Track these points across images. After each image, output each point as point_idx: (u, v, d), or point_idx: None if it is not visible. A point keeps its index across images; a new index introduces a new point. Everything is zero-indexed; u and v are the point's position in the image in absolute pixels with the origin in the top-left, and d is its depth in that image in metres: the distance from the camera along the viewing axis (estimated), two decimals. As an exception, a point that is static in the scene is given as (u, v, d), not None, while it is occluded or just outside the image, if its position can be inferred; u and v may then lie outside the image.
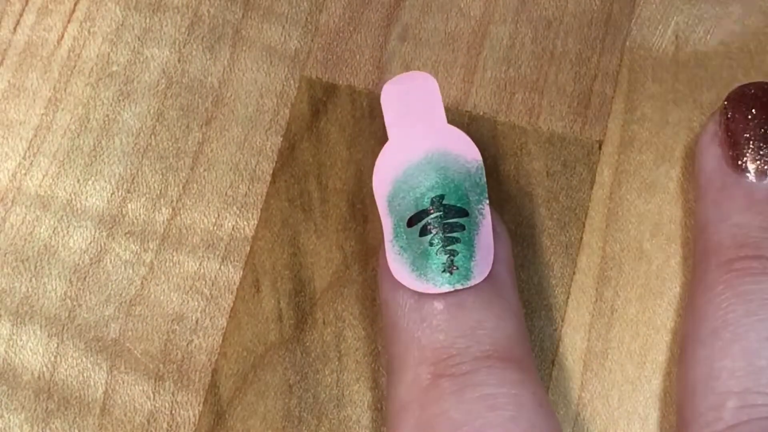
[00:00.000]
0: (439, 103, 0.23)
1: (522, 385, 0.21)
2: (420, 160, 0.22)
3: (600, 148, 0.26)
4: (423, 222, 0.22)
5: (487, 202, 0.22)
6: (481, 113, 0.27)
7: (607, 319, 0.25)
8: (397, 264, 0.22)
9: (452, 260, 0.22)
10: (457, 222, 0.22)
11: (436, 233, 0.22)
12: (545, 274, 0.25)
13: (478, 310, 0.22)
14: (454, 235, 0.22)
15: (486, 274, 0.22)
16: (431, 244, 0.22)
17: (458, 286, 0.22)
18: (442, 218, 0.22)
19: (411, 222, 0.22)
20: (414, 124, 0.23)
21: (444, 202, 0.22)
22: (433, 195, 0.22)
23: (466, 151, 0.22)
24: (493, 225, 0.22)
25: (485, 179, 0.22)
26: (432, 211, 0.22)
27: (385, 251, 0.22)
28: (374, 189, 0.23)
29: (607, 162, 0.26)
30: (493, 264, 0.22)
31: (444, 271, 0.22)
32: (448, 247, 0.22)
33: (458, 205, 0.22)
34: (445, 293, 0.22)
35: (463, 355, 0.21)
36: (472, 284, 0.22)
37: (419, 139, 0.23)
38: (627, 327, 0.25)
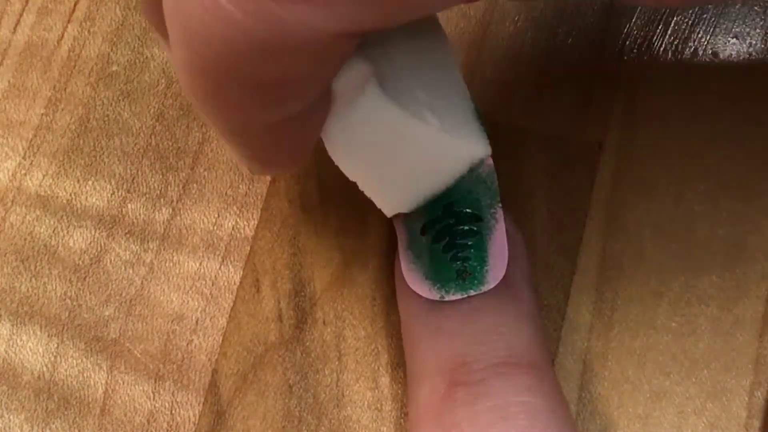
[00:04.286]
0: None
1: (536, 391, 0.21)
2: None
3: (600, 148, 0.26)
4: (435, 229, 0.22)
5: (500, 205, 0.22)
6: (482, 113, 0.27)
7: (607, 319, 0.25)
8: (412, 273, 0.22)
9: (465, 266, 0.22)
10: (470, 228, 0.22)
11: (449, 240, 0.22)
12: (545, 274, 0.25)
13: (493, 315, 0.22)
14: (467, 241, 0.22)
15: (499, 279, 0.22)
16: (444, 251, 0.22)
17: (472, 292, 0.22)
18: (454, 225, 0.22)
19: (424, 230, 0.22)
20: None
21: (455, 208, 0.22)
22: (444, 202, 0.22)
23: None
24: (507, 228, 0.22)
25: (497, 183, 0.22)
26: (444, 219, 0.22)
27: (401, 261, 0.22)
28: None
29: (607, 162, 0.26)
30: (507, 267, 0.22)
31: (457, 277, 0.22)
32: (461, 254, 0.22)
33: (470, 210, 0.22)
34: (460, 300, 0.22)
35: (478, 362, 0.21)
36: (486, 289, 0.22)
37: None
38: (627, 327, 0.25)
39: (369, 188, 0.22)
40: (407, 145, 0.21)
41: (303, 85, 0.18)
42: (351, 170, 0.21)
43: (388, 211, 0.22)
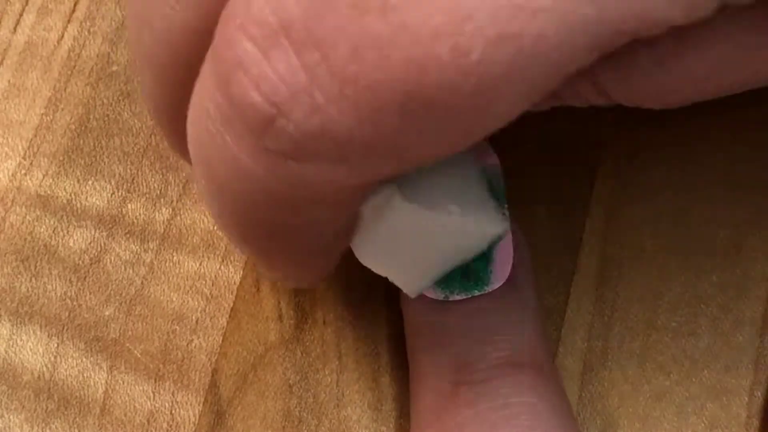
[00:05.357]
0: None
1: (539, 391, 0.21)
2: None
3: (600, 148, 0.26)
4: None
5: (507, 206, 0.22)
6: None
7: (607, 319, 0.25)
8: None
9: (469, 266, 0.22)
10: None
11: None
12: (545, 274, 0.25)
13: (497, 315, 0.22)
14: None
15: (504, 280, 0.22)
16: None
17: (476, 293, 0.22)
18: None
19: None
20: None
21: None
22: None
23: (483, 154, 0.22)
24: (512, 229, 0.22)
25: (504, 183, 0.22)
26: None
27: None
28: None
29: (607, 162, 0.26)
30: (511, 268, 0.22)
31: (462, 278, 0.22)
32: None
33: None
34: (464, 300, 0.22)
35: (481, 361, 0.21)
36: (490, 290, 0.22)
37: None
38: (627, 327, 0.25)
39: (396, 278, 0.22)
40: (432, 238, 0.21)
41: (325, 225, 0.18)
42: (379, 269, 0.21)
43: (413, 293, 0.22)
